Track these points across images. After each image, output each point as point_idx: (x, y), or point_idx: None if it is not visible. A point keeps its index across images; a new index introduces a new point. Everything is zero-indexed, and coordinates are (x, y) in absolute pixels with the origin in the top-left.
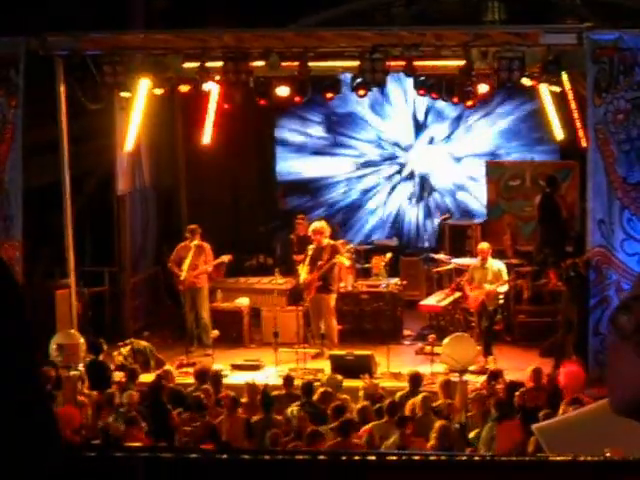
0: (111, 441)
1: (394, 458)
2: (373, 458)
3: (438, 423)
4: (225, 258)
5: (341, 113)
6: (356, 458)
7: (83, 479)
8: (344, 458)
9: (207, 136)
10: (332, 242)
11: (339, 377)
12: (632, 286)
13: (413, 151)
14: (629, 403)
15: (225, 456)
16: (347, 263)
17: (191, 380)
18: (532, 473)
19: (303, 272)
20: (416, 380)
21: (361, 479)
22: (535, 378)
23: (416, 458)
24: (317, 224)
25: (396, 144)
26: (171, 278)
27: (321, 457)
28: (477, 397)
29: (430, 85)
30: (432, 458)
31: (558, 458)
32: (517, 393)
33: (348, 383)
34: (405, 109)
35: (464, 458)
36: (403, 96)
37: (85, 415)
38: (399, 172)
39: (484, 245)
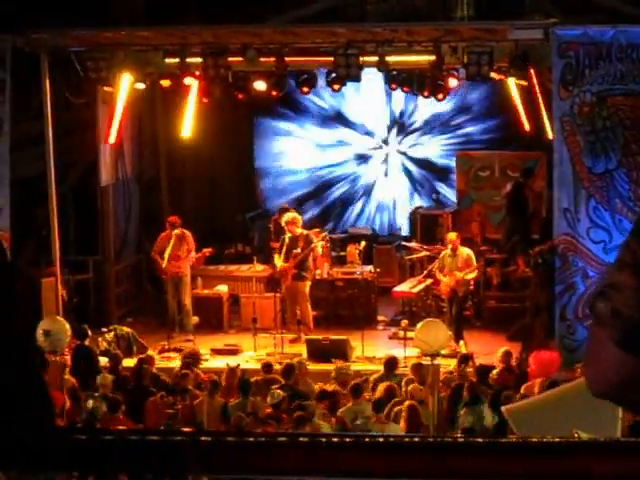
0: (95, 424)
1: (368, 440)
2: (349, 440)
3: (407, 403)
4: (207, 252)
5: (318, 105)
6: (334, 440)
7: (68, 462)
8: (324, 440)
9: (187, 129)
10: (305, 232)
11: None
12: (606, 273)
13: (389, 141)
14: (607, 387)
15: (208, 438)
16: (320, 251)
17: (173, 364)
18: (502, 455)
19: (279, 261)
20: (391, 364)
21: (337, 460)
22: (505, 360)
23: (392, 440)
24: (290, 215)
25: (371, 134)
26: (153, 266)
27: (302, 439)
28: (446, 380)
29: (402, 79)
30: (406, 440)
31: (528, 440)
32: (494, 373)
33: (324, 367)
34: (380, 102)
35: (435, 440)
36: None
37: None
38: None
39: (453, 235)
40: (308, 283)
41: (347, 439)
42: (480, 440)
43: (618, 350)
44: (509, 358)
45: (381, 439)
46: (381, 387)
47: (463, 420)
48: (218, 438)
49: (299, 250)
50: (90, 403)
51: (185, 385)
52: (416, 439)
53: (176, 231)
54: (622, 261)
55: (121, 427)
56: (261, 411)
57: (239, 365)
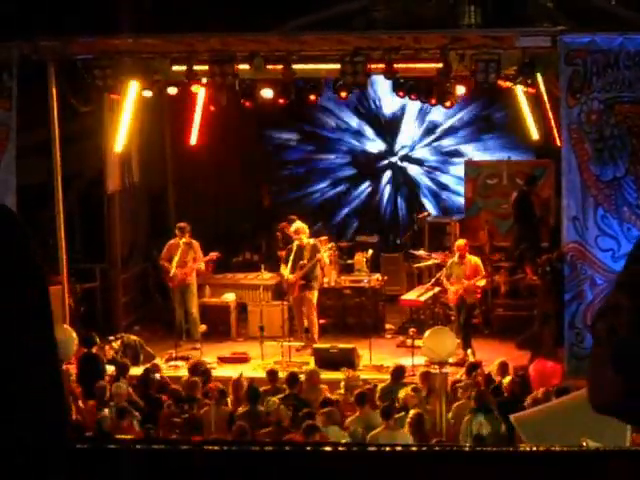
0: (104, 434)
1: (375, 449)
2: (356, 449)
3: (412, 412)
4: (214, 255)
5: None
6: (341, 449)
7: (76, 472)
8: (329, 449)
9: (194, 137)
10: (312, 241)
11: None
12: (609, 294)
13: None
14: (608, 405)
15: (215, 447)
16: (327, 261)
17: (180, 373)
18: (510, 464)
19: (286, 271)
20: (398, 372)
21: (350, 470)
22: (502, 372)
23: (399, 449)
24: (297, 225)
25: (380, 142)
26: (161, 274)
27: (309, 448)
28: (466, 386)
29: (409, 87)
30: (413, 449)
31: (536, 449)
32: (505, 382)
33: (331, 375)
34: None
35: (442, 449)
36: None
37: (78, 408)
38: (382, 169)
39: (461, 242)
40: (315, 293)
41: (354, 448)
42: (489, 449)
43: (612, 371)
44: (506, 369)
45: (388, 448)
46: (402, 394)
47: (466, 427)
48: (224, 447)
49: (305, 261)
50: (106, 412)
51: (194, 394)
52: (424, 448)
53: (184, 239)
54: (621, 282)
55: (129, 436)
56: (285, 420)
57: (242, 374)
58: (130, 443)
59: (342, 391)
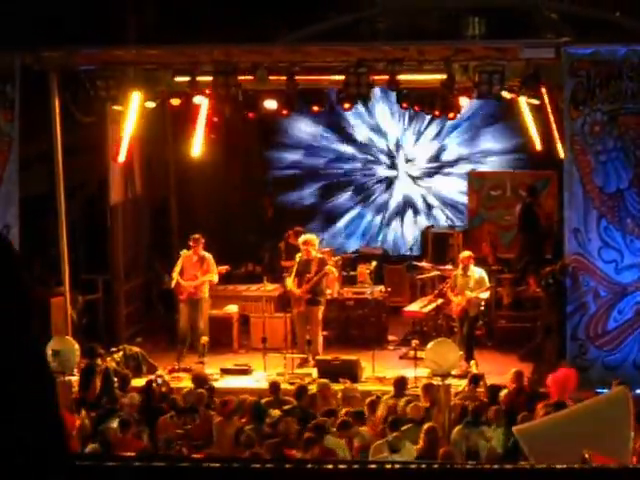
0: (108, 447)
1: (376, 467)
2: (357, 466)
3: (426, 425)
4: (222, 269)
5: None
6: (341, 467)
7: None
8: (330, 467)
9: (197, 148)
10: (320, 255)
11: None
12: None
13: (400, 159)
14: None
15: (216, 465)
16: (336, 273)
17: (182, 385)
18: None
19: (291, 283)
20: (401, 384)
21: None
22: (517, 380)
23: (397, 467)
24: (307, 236)
25: (383, 151)
26: (162, 285)
27: (309, 466)
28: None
29: (413, 98)
30: (413, 467)
31: (539, 466)
32: (502, 394)
33: (334, 387)
34: (392, 120)
35: (441, 466)
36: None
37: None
38: (385, 180)
39: (465, 253)
40: (322, 308)
41: (354, 465)
42: (488, 467)
43: None
44: (521, 378)
45: (388, 465)
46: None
47: (456, 439)
48: (224, 464)
49: (312, 274)
50: (115, 423)
51: (198, 406)
52: (423, 466)
53: (197, 252)
54: None
55: (131, 448)
56: (292, 434)
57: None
58: (130, 460)
59: (339, 402)
